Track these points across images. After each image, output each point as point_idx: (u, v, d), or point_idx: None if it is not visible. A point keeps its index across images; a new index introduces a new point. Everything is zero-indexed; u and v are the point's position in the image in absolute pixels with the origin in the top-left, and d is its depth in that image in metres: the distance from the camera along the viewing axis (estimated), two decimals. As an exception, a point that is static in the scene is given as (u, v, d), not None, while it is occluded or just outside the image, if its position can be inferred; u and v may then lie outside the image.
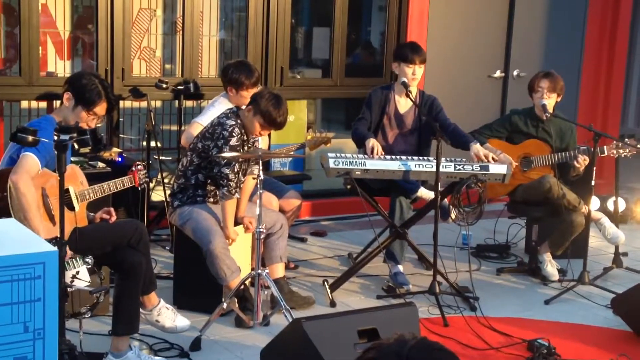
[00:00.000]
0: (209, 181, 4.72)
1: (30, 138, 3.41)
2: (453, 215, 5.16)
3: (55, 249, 2.73)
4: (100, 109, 3.95)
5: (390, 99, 5.50)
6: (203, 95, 6.49)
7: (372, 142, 5.11)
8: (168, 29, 7.44)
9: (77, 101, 3.92)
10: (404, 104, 5.51)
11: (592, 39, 8.32)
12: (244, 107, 4.82)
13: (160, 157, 5.96)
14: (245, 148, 4.67)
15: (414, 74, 5.33)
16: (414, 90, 5.38)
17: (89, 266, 3.64)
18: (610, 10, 8.31)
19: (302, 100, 7.33)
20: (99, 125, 4.04)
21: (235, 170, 4.59)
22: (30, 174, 3.66)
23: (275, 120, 4.57)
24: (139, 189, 4.34)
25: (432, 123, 5.16)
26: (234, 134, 4.57)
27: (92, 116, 3.93)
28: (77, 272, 3.60)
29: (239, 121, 4.63)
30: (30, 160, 3.68)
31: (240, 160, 4.60)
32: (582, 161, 5.42)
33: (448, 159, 5.01)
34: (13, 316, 2.64)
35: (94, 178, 4.34)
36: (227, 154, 4.42)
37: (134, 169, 4.25)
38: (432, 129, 5.16)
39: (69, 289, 3.52)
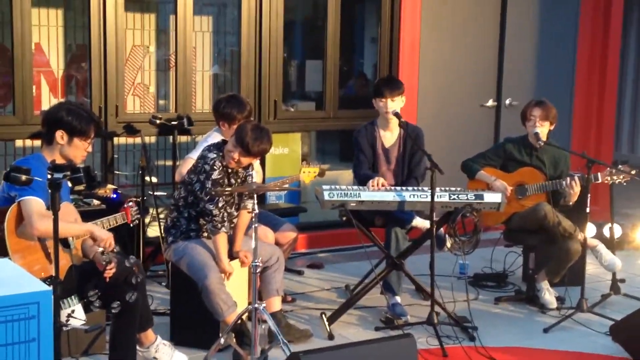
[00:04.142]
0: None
1: (23, 177, 3.42)
2: (449, 245, 5.16)
3: (49, 288, 2.72)
4: (92, 132, 4.02)
5: (376, 135, 5.51)
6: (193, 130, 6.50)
7: (374, 179, 5.16)
8: (161, 65, 7.48)
9: (72, 135, 3.94)
10: (389, 138, 5.53)
11: (583, 65, 8.38)
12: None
13: (155, 193, 5.96)
14: (232, 180, 4.66)
15: (385, 109, 5.36)
16: (395, 121, 5.40)
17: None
18: (601, 37, 8.37)
19: (296, 133, 7.35)
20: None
21: (220, 205, 4.57)
22: (41, 214, 3.69)
23: (249, 146, 4.49)
24: (131, 225, 4.33)
25: (425, 153, 5.16)
26: (215, 167, 4.56)
27: (88, 142, 4.00)
28: (73, 311, 3.58)
29: (221, 154, 4.63)
30: (34, 204, 3.70)
31: (227, 195, 4.58)
32: (569, 187, 5.42)
33: (442, 188, 5.02)
34: (8, 357, 2.62)
35: (88, 215, 4.32)
36: (227, 190, 4.40)
37: (125, 205, 4.26)
38: (414, 159, 5.46)
39: (64, 328, 3.51)
